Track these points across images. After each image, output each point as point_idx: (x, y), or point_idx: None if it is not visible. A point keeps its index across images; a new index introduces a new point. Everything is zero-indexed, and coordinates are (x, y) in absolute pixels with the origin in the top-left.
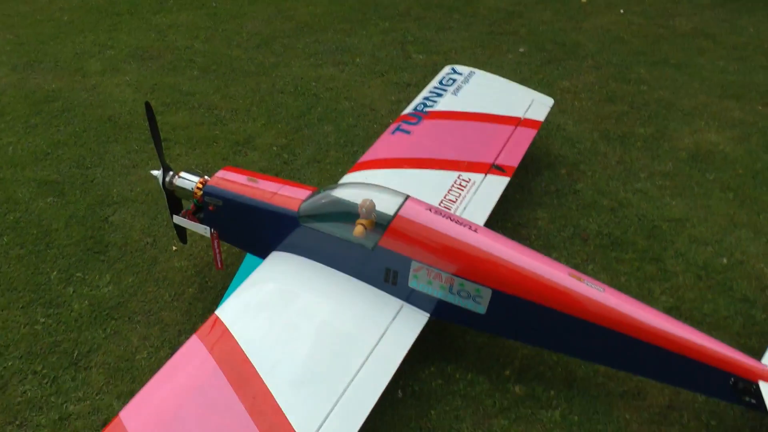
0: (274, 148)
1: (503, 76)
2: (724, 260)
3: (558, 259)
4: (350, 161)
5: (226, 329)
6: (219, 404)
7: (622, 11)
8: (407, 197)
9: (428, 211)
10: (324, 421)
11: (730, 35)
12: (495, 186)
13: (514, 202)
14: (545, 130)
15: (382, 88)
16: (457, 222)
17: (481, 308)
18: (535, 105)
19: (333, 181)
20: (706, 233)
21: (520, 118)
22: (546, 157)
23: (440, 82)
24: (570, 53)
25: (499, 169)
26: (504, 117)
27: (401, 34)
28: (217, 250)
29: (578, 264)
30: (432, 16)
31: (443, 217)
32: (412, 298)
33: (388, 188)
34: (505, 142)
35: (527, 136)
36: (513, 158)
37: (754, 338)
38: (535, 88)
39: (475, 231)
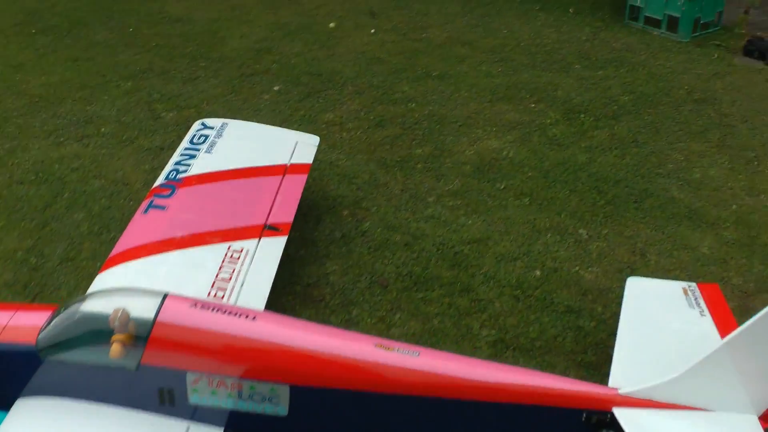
0: (19, 254)
1: (262, 120)
2: (537, 272)
3: (360, 315)
4: (108, 251)
5: None
6: None
7: (372, 31)
8: (165, 296)
9: (193, 308)
10: None
11: (486, 39)
12: (272, 249)
13: (299, 261)
14: (317, 171)
15: (134, 158)
16: (230, 313)
17: (282, 409)
18: (301, 147)
19: (92, 281)
20: (512, 247)
21: (286, 165)
22: (324, 201)
23: (191, 142)
24: (328, 82)
25: (273, 229)
26: (268, 167)
27: (146, 93)
28: None
29: (384, 316)
30: (177, 68)
31: (213, 311)
32: (197, 415)
33: (142, 288)
34: (274, 195)
35: (298, 183)
36: (286, 213)
37: (590, 351)
38: (298, 126)
39: (254, 319)
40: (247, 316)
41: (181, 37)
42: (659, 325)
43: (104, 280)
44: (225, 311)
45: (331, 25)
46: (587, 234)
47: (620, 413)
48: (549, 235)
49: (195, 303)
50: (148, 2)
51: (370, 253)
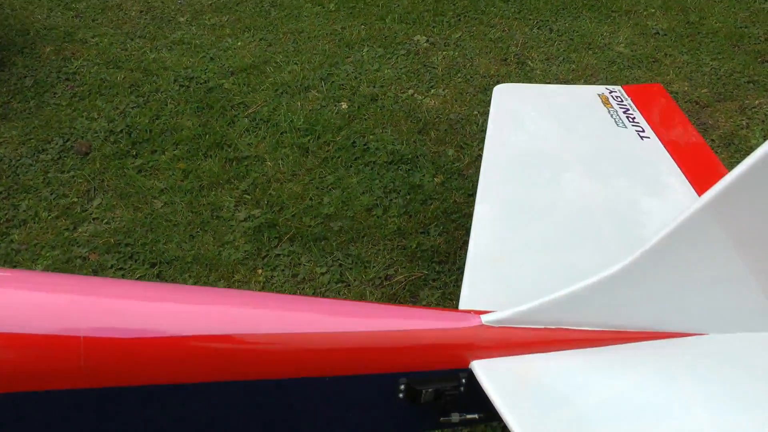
0: None
1: None
2: (344, 105)
3: (33, 208)
4: None
5: None
6: None
7: None
8: None
9: None
10: None
11: None
12: None
13: None
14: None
15: None
16: None
17: None
18: None
19: None
20: (303, 71)
21: None
22: (20, 38)
23: None
24: None
25: None
26: None
27: None
28: None
29: (73, 204)
30: None
31: None
32: None
33: None
34: None
35: None
36: None
37: (432, 235)
38: None
39: None
40: None
41: None
42: (560, 163)
43: None
44: None
45: None
46: (428, 41)
47: (485, 371)
48: (366, 49)
49: None
50: None
51: (71, 105)
